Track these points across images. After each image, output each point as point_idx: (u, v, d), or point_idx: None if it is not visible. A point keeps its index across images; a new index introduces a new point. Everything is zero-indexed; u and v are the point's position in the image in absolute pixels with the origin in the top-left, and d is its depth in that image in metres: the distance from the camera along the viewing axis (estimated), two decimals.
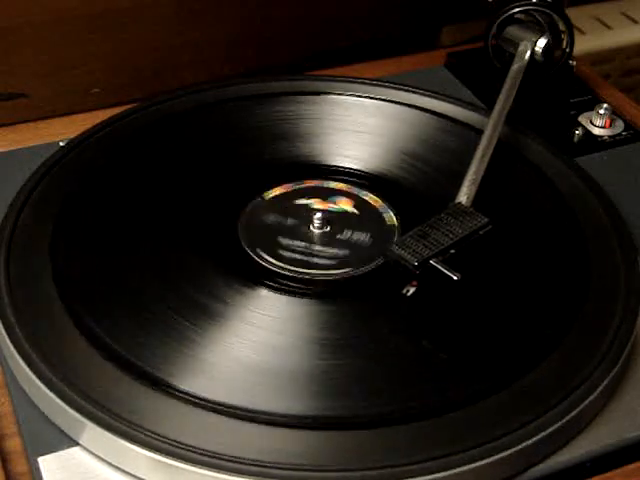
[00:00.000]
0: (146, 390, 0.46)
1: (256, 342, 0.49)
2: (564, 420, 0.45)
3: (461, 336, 0.50)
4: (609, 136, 0.67)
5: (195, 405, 0.45)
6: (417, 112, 0.66)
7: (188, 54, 0.74)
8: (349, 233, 0.57)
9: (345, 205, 0.59)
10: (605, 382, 0.47)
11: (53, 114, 0.70)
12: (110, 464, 0.45)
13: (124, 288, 0.52)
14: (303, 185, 0.61)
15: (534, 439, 0.44)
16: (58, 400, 0.45)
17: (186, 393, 0.46)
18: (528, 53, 0.67)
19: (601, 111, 0.68)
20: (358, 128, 0.65)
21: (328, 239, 0.57)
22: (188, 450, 0.43)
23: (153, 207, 0.58)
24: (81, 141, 0.62)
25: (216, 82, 0.69)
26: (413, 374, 0.48)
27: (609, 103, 0.69)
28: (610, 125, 0.68)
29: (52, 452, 0.45)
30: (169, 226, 0.57)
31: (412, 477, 0.42)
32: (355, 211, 0.59)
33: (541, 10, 0.68)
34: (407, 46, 0.80)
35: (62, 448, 0.45)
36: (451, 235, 0.53)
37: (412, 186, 0.61)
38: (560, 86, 0.72)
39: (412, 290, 0.52)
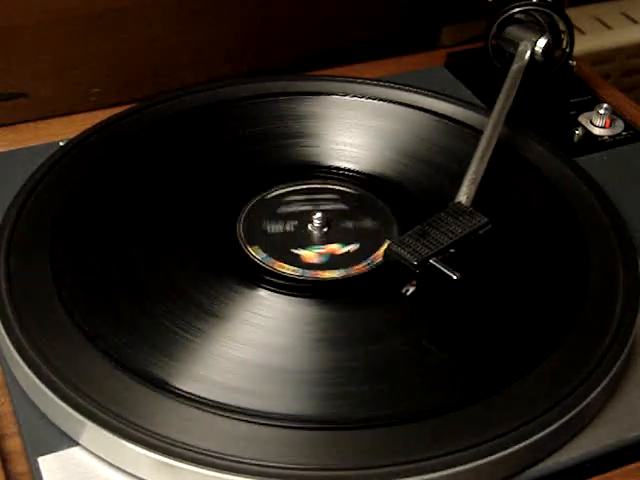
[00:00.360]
0: (146, 390, 0.46)
1: (256, 342, 0.49)
2: (564, 420, 0.45)
3: (461, 336, 0.50)
4: (609, 136, 0.67)
5: (195, 405, 0.45)
6: (417, 112, 0.66)
7: (188, 54, 0.74)
8: (351, 224, 0.57)
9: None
10: (605, 382, 0.47)
11: (53, 114, 0.70)
12: (110, 464, 0.45)
13: (124, 288, 0.52)
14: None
15: (534, 439, 0.44)
16: (58, 400, 0.45)
17: (186, 393, 0.46)
18: (528, 53, 0.67)
19: (601, 111, 0.68)
20: (358, 128, 0.65)
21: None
22: (188, 450, 0.43)
23: (153, 207, 0.58)
24: (81, 141, 0.62)
25: (216, 82, 0.69)
26: (413, 374, 0.48)
27: (609, 103, 0.69)
28: (610, 125, 0.68)
29: (52, 452, 0.45)
30: (169, 226, 0.57)
31: (412, 476, 0.42)
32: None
33: (541, 10, 0.68)
34: (407, 46, 0.80)
35: (62, 448, 0.45)
36: (451, 235, 0.53)
37: (412, 186, 0.61)
38: (560, 86, 0.72)
39: (412, 290, 0.52)
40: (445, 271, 0.50)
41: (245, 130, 0.65)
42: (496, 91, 0.64)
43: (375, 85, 0.68)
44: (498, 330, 0.51)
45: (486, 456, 0.43)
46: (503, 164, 0.61)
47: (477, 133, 0.62)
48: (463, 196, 0.56)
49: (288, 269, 0.54)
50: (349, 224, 0.58)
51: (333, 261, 0.55)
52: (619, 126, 0.68)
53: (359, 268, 0.55)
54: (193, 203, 0.59)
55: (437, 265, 0.51)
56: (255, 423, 0.45)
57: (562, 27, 0.69)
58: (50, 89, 0.70)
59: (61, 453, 0.45)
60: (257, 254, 0.55)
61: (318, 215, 0.57)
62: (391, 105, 0.66)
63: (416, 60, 0.77)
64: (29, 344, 0.48)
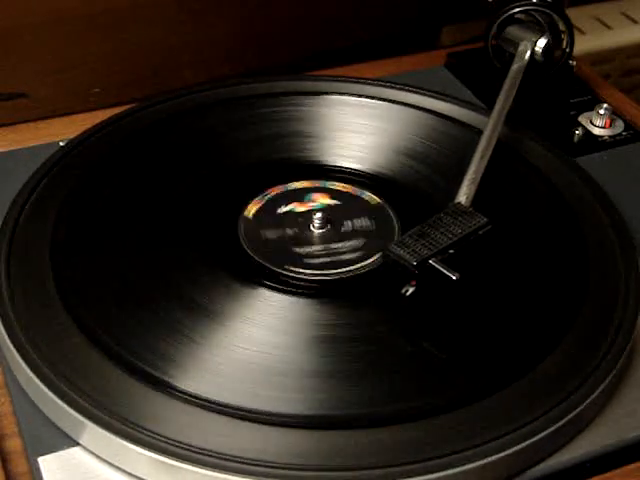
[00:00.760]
0: (146, 390, 0.46)
1: (256, 342, 0.49)
2: (564, 420, 0.45)
3: (460, 336, 0.50)
4: (609, 136, 0.67)
5: (195, 405, 0.45)
6: (417, 112, 0.66)
7: (188, 54, 0.74)
8: (350, 223, 0.57)
9: (324, 200, 0.59)
10: (605, 382, 0.47)
11: (53, 114, 0.70)
12: (110, 464, 0.45)
13: (124, 288, 0.52)
14: (302, 186, 0.61)
15: (534, 439, 0.44)
16: (58, 400, 0.45)
17: (186, 393, 0.46)
18: (528, 53, 0.67)
19: (601, 111, 0.68)
20: (358, 128, 0.65)
21: (339, 235, 0.57)
22: (188, 450, 0.43)
23: (153, 207, 0.58)
24: (81, 141, 0.62)
25: (216, 82, 0.69)
26: (412, 374, 0.48)
27: (609, 103, 0.69)
28: (610, 125, 0.68)
29: (52, 452, 0.45)
30: (169, 226, 0.57)
31: (412, 477, 0.42)
32: (338, 202, 0.59)
33: (541, 10, 0.68)
34: (407, 46, 0.80)
35: (62, 448, 0.45)
36: (450, 235, 0.53)
37: (412, 186, 0.61)
38: (560, 86, 0.72)
39: (411, 290, 0.52)
40: (444, 271, 0.50)
41: (245, 130, 0.65)
42: (496, 91, 0.64)
43: (375, 85, 0.68)
44: (498, 330, 0.51)
45: (486, 456, 0.43)
46: (503, 164, 0.61)
47: (477, 133, 0.62)
48: (463, 196, 0.56)
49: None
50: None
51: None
52: (619, 126, 0.68)
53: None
54: (193, 203, 0.59)
55: (436, 265, 0.51)
56: (255, 423, 0.45)
57: (562, 27, 0.69)
58: (50, 89, 0.70)
59: (61, 453, 0.45)
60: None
61: (318, 215, 0.57)
62: (391, 105, 0.66)
63: (416, 60, 0.77)
64: (29, 344, 0.48)
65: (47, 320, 0.49)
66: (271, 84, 0.68)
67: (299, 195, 0.60)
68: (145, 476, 0.44)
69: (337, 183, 0.61)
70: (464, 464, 0.43)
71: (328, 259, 0.55)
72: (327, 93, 0.67)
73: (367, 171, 0.62)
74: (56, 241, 0.54)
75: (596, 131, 0.68)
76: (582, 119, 0.69)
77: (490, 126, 0.60)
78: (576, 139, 0.67)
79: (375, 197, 0.60)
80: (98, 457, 0.45)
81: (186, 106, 0.66)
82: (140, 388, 0.46)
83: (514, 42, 0.68)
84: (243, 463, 0.43)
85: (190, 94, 0.67)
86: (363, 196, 0.60)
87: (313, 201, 0.59)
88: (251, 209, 0.59)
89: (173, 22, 0.73)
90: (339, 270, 0.54)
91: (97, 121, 0.64)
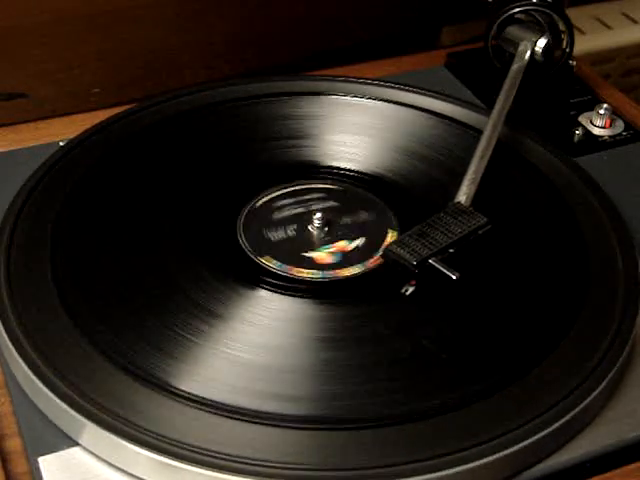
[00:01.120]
0: (146, 390, 0.46)
1: (256, 342, 0.49)
2: (564, 420, 0.45)
3: (460, 336, 0.50)
4: (609, 136, 0.67)
5: (195, 405, 0.45)
6: (417, 112, 0.66)
7: (188, 54, 0.74)
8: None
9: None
10: (605, 382, 0.47)
11: (53, 114, 0.70)
12: (110, 464, 0.45)
13: (124, 288, 0.52)
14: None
15: (534, 439, 0.44)
16: (58, 400, 0.45)
17: (186, 393, 0.46)
18: (528, 53, 0.67)
19: (601, 111, 0.68)
20: (358, 128, 0.65)
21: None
22: (188, 450, 0.43)
23: (153, 207, 0.58)
24: (81, 141, 0.62)
25: (216, 82, 0.69)
26: (412, 374, 0.48)
27: (609, 103, 0.69)
28: (610, 125, 0.68)
29: (52, 452, 0.45)
30: (169, 226, 0.57)
31: (411, 477, 0.42)
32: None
33: (541, 10, 0.68)
34: (407, 46, 0.80)
35: (62, 448, 0.45)
36: (450, 234, 0.53)
37: (412, 186, 0.61)
38: (560, 86, 0.72)
39: (411, 289, 0.52)
40: (444, 271, 0.50)
41: (245, 130, 0.65)
42: (496, 91, 0.64)
43: (375, 85, 0.68)
44: (498, 330, 0.51)
45: (486, 456, 0.43)
46: (503, 164, 0.61)
47: (477, 133, 0.62)
48: (462, 196, 0.56)
49: (288, 269, 0.54)
50: (349, 224, 0.58)
51: (332, 261, 0.55)
52: (619, 126, 0.68)
53: (358, 268, 0.55)
54: (193, 203, 0.59)
55: (436, 265, 0.51)
56: (255, 423, 0.45)
57: (562, 27, 0.69)
58: (50, 89, 0.70)
59: (61, 453, 0.45)
60: (257, 254, 0.55)
61: (318, 215, 0.57)
62: (391, 105, 0.66)
63: (416, 60, 0.77)
64: (29, 344, 0.48)
65: (47, 320, 0.49)
66: (271, 84, 0.68)
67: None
68: (145, 476, 0.44)
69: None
70: (464, 464, 0.43)
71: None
72: (327, 93, 0.67)
73: (367, 171, 0.62)
74: (56, 241, 0.54)
75: (596, 131, 0.68)
76: (582, 119, 0.69)
77: (490, 126, 0.60)
78: (576, 139, 0.67)
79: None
80: (98, 457, 0.45)
81: (186, 106, 0.66)
82: (140, 388, 0.46)
83: (514, 42, 0.68)
84: (243, 463, 0.43)
85: (190, 94, 0.67)
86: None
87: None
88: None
89: (173, 22, 0.73)
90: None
91: (97, 121, 0.64)
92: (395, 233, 0.57)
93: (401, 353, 0.49)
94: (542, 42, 0.68)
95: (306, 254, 0.55)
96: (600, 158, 0.66)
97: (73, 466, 0.45)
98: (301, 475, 0.43)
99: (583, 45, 0.89)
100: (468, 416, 0.45)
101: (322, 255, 0.55)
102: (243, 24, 0.75)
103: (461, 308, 0.52)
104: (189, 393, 0.46)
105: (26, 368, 0.47)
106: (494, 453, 0.43)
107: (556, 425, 0.45)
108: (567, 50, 0.70)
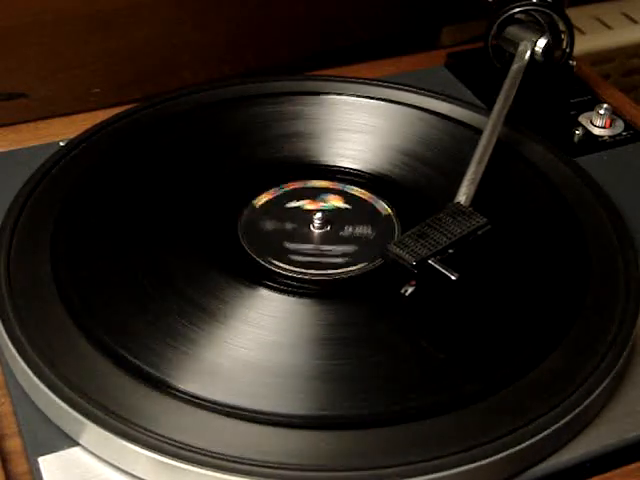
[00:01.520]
0: (146, 390, 0.46)
1: (256, 342, 0.49)
2: (564, 420, 0.45)
3: (460, 336, 0.50)
4: (609, 136, 0.67)
5: (195, 405, 0.45)
6: (417, 112, 0.66)
7: (188, 54, 0.74)
8: (350, 229, 0.57)
9: (336, 202, 0.59)
10: (605, 382, 0.47)
11: (53, 114, 0.70)
12: (110, 464, 0.45)
13: (124, 288, 0.52)
14: (302, 186, 0.61)
15: (534, 439, 0.44)
16: (58, 400, 0.45)
17: (186, 393, 0.46)
18: (528, 53, 0.67)
19: (601, 111, 0.68)
20: (358, 128, 0.65)
21: (333, 238, 0.57)
22: (188, 450, 0.43)
23: (153, 207, 0.58)
24: (81, 141, 0.62)
25: (216, 82, 0.69)
26: (412, 374, 0.48)
27: (609, 103, 0.69)
28: (610, 125, 0.68)
29: (52, 452, 0.45)
30: (169, 226, 0.57)
31: (412, 477, 0.42)
32: (348, 206, 0.59)
33: (541, 10, 0.68)
34: (407, 46, 0.80)
35: (62, 448, 0.45)
36: (449, 235, 0.52)
37: (411, 186, 0.61)
38: (560, 86, 0.72)
39: (410, 290, 0.52)
40: (444, 271, 0.50)
41: (245, 130, 0.65)
42: (496, 91, 0.64)
43: (375, 85, 0.68)
44: (497, 330, 0.51)
45: (486, 457, 0.43)
46: (503, 164, 0.61)
47: (477, 133, 0.62)
48: (462, 196, 0.56)
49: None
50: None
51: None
52: (619, 126, 0.68)
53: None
54: (193, 203, 0.59)
55: (436, 265, 0.51)
56: (255, 423, 0.45)
57: (562, 27, 0.69)
58: (50, 89, 0.70)
59: (61, 453, 0.45)
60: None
61: (318, 215, 0.57)
62: (391, 105, 0.66)
63: (416, 60, 0.77)
64: (29, 344, 0.48)
65: (47, 320, 0.49)
66: (271, 84, 0.68)
67: (301, 195, 0.60)
68: (145, 476, 0.44)
69: (339, 184, 0.61)
70: (464, 464, 0.43)
71: (328, 259, 0.55)
72: (327, 93, 0.67)
73: (367, 171, 0.62)
74: (56, 241, 0.54)
75: (596, 131, 0.68)
76: (582, 119, 0.69)
77: (490, 126, 0.60)
78: (576, 139, 0.67)
79: (375, 197, 0.60)
80: (98, 457, 0.45)
81: (186, 106, 0.66)
82: (140, 388, 0.46)
83: (514, 42, 0.68)
84: (243, 463, 0.43)
85: (190, 94, 0.67)
86: (364, 196, 0.60)
87: (324, 202, 0.59)
88: (251, 210, 0.59)
89: (173, 22, 0.73)
90: (339, 270, 0.54)
91: (97, 121, 0.64)
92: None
93: (400, 353, 0.49)
94: (542, 42, 0.68)
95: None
96: (600, 158, 0.66)
97: (73, 466, 0.45)
98: (301, 475, 0.43)
99: (583, 45, 0.89)
100: (468, 416, 0.45)
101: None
102: (243, 24, 0.75)
103: (460, 308, 0.52)
104: (189, 393, 0.46)
105: (26, 368, 0.47)
106: (494, 453, 0.43)
107: (557, 425, 0.45)
108: (567, 50, 0.70)
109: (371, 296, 0.53)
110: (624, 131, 0.68)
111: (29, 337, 0.48)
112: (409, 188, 0.61)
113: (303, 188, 0.61)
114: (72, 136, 0.63)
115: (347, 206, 0.59)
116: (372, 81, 0.68)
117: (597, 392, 0.46)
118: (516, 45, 0.68)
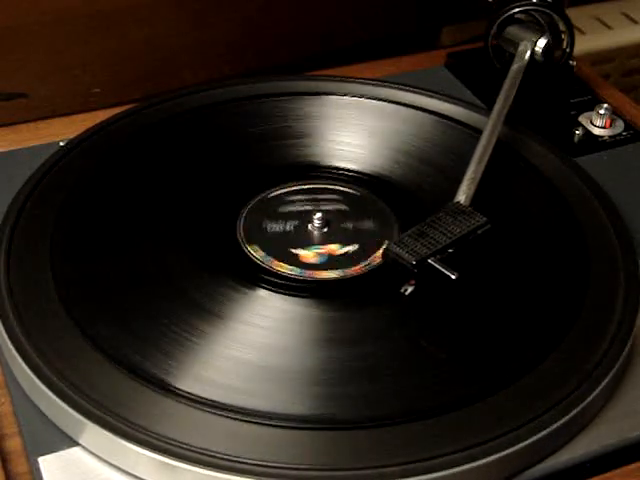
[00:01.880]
0: (147, 390, 0.46)
1: (256, 342, 0.49)
2: (564, 420, 0.45)
3: (459, 336, 0.50)
4: (609, 136, 0.67)
5: (195, 405, 0.45)
6: (417, 112, 0.66)
7: (188, 54, 0.74)
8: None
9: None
10: (605, 382, 0.47)
11: (53, 114, 0.70)
12: (110, 464, 0.45)
13: (124, 288, 0.52)
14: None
15: (534, 439, 0.44)
16: (58, 400, 0.45)
17: (186, 393, 0.46)
18: (528, 53, 0.67)
19: (601, 111, 0.68)
20: (358, 128, 0.65)
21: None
22: (188, 450, 0.43)
23: (153, 208, 0.58)
24: (81, 141, 0.62)
25: (216, 82, 0.69)
26: (412, 374, 0.48)
27: (609, 103, 0.69)
28: (610, 125, 0.68)
29: (52, 452, 0.45)
30: (169, 226, 0.57)
31: (412, 477, 0.42)
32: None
33: (541, 10, 0.68)
34: (407, 46, 0.80)
35: (62, 448, 0.45)
36: (449, 234, 0.52)
37: (412, 186, 0.61)
38: (560, 86, 0.72)
39: (410, 289, 0.52)
40: (443, 271, 0.50)
41: (245, 130, 0.65)
42: (496, 91, 0.64)
43: (375, 85, 0.68)
44: (497, 330, 0.51)
45: (486, 456, 0.43)
46: (503, 164, 0.61)
47: (477, 133, 0.62)
48: (462, 196, 0.56)
49: (287, 269, 0.54)
50: (349, 224, 0.58)
51: (332, 261, 0.55)
52: (619, 126, 0.68)
53: (358, 268, 0.55)
54: (193, 203, 0.59)
55: (435, 265, 0.51)
56: (255, 423, 0.45)
57: (562, 27, 0.69)
58: (50, 89, 0.70)
59: (61, 453, 0.45)
60: (257, 254, 0.55)
61: (318, 215, 0.57)
62: (391, 105, 0.66)
63: (416, 60, 0.77)
64: (29, 344, 0.48)
65: (47, 320, 0.49)
66: (271, 84, 0.68)
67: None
68: (145, 476, 0.44)
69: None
70: (464, 464, 0.43)
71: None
72: (327, 93, 0.67)
73: (367, 171, 0.62)
74: (56, 241, 0.54)
75: (596, 131, 0.68)
76: (582, 119, 0.69)
77: (490, 126, 0.60)
78: (576, 139, 0.67)
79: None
80: (98, 457, 0.45)
81: (186, 106, 0.66)
82: (140, 388, 0.46)
83: (514, 42, 0.68)
84: (243, 463, 0.43)
85: (190, 94, 0.67)
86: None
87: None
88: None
89: (173, 22, 0.73)
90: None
91: (97, 121, 0.64)
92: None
93: (400, 353, 0.49)
94: (542, 42, 0.68)
95: (294, 251, 0.55)
96: (600, 158, 0.66)
97: (73, 466, 0.45)
98: (301, 475, 0.43)
99: (583, 45, 0.89)
100: (468, 416, 0.45)
101: (309, 254, 0.55)
102: (243, 24, 0.75)
103: (460, 308, 0.52)
104: (189, 393, 0.46)
105: (26, 368, 0.47)
106: (494, 453, 0.43)
107: (556, 425, 0.45)
108: (567, 50, 0.70)
109: (371, 296, 0.53)
110: (624, 131, 0.68)
111: (29, 337, 0.48)
112: (409, 188, 0.61)
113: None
114: (72, 136, 0.63)
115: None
116: (372, 81, 0.68)
117: (596, 392, 0.46)
118: (516, 45, 0.68)
